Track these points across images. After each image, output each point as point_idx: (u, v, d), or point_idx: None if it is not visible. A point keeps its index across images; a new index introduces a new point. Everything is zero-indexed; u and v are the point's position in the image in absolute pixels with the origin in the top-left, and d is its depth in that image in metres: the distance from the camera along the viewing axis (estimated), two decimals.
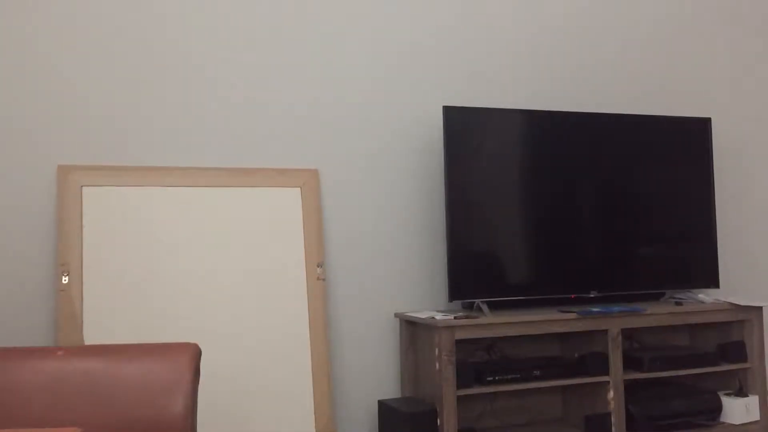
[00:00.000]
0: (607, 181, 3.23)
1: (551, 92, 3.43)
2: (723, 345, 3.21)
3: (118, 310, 2.64)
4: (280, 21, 3.03)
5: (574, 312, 2.92)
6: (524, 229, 3.08)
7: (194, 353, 2.03)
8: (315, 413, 2.78)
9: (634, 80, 3.59)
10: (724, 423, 3.11)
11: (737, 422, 3.09)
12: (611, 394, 2.93)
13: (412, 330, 2.96)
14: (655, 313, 3.04)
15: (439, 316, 2.79)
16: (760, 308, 3.22)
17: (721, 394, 3.15)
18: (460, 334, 2.75)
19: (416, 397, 2.93)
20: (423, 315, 2.88)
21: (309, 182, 2.98)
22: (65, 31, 2.76)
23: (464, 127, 3.01)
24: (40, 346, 2.03)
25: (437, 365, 2.74)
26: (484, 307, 2.95)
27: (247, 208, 2.87)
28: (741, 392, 3.17)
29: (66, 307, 2.59)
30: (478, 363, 2.94)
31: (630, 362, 3.04)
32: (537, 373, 2.88)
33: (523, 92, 3.37)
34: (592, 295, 3.17)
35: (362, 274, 3.07)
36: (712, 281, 3.38)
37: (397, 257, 3.13)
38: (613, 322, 2.96)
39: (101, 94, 2.79)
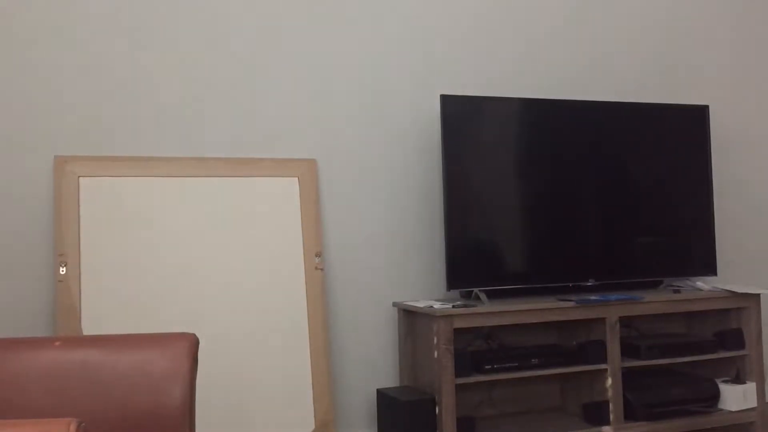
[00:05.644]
0: (605, 169, 3.22)
1: (548, 80, 3.42)
2: (720, 332, 3.22)
3: (115, 301, 2.64)
4: (277, 12, 3.02)
5: (572, 300, 2.92)
6: (522, 217, 3.08)
7: (192, 343, 2.03)
8: (314, 402, 2.79)
9: (632, 68, 3.58)
10: (721, 410, 3.12)
11: (734, 409, 3.10)
12: (609, 381, 2.94)
13: (411, 319, 2.96)
14: (653, 301, 3.04)
15: (437, 305, 2.80)
16: (757, 295, 3.22)
17: (718, 381, 3.16)
18: (459, 323, 2.75)
19: (415, 386, 2.94)
20: (421, 304, 2.88)
21: (307, 172, 2.97)
22: (62, 22, 2.75)
23: (462, 116, 3.00)
24: (37, 337, 2.03)
25: (435, 354, 2.74)
26: (483, 296, 2.96)
27: (245, 198, 2.86)
28: (738, 379, 3.18)
29: (64, 297, 2.59)
30: (477, 352, 2.95)
31: (628, 350, 3.05)
32: (535, 361, 2.88)
33: (520, 80, 3.37)
34: (590, 284, 3.17)
35: (360, 263, 3.07)
36: (710, 269, 3.38)
37: (396, 246, 3.13)
38: (611, 311, 2.96)
39: (98, 85, 2.78)
